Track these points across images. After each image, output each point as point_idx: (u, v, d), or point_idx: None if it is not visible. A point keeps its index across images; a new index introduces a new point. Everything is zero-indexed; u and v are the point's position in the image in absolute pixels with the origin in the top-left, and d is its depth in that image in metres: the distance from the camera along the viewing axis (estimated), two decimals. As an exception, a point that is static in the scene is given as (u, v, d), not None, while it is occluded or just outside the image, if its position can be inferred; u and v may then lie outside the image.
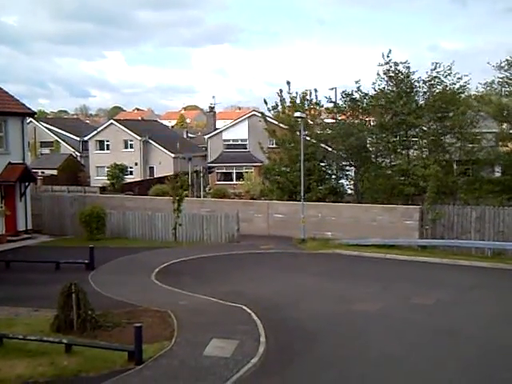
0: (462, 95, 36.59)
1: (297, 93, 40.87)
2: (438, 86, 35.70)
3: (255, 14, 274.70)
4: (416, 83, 36.11)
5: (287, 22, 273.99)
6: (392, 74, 35.96)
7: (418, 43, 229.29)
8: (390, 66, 35.97)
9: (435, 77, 35.42)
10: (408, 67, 35.83)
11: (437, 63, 35.23)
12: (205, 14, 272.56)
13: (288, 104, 40.91)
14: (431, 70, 35.44)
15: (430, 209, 30.69)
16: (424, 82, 35.83)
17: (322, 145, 39.57)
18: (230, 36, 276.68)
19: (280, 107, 41.47)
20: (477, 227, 29.71)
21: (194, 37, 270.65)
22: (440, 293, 21.59)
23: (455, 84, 35.45)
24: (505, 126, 39.22)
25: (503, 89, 37.86)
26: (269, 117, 44.35)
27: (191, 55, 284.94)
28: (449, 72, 35.16)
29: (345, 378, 13.89)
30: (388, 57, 35.82)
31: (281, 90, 40.93)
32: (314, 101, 41.03)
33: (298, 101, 40.66)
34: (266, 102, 42.06)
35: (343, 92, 37.81)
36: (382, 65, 36.13)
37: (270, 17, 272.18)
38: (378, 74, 36.54)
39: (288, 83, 40.76)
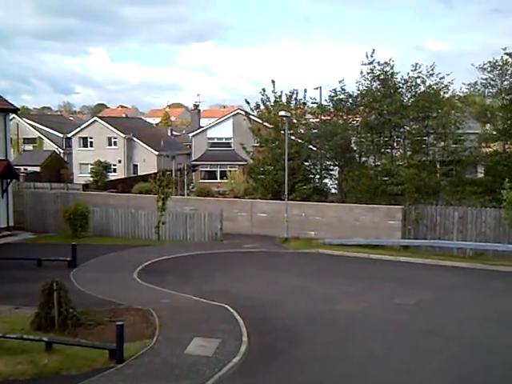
0: (446, 95, 36.91)
1: (281, 91, 40.85)
2: (421, 87, 36.04)
3: (241, 12, 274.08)
4: (400, 83, 36.41)
5: (274, 20, 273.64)
6: (378, 73, 36.26)
7: (403, 43, 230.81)
8: (374, 66, 36.32)
9: (417, 77, 35.77)
10: (392, 66, 36.25)
11: (417, 63, 35.83)
12: (191, 11, 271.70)
13: (272, 103, 40.80)
14: (412, 70, 35.93)
15: (411, 209, 30.87)
16: (405, 82, 36.16)
17: (307, 144, 39.60)
18: (216, 33, 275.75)
19: (262, 106, 41.30)
20: (459, 228, 29.92)
21: (179, 34, 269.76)
22: (422, 293, 21.70)
23: (437, 84, 35.82)
24: (488, 127, 39.48)
25: (486, 90, 38.15)
26: (253, 115, 44.19)
27: (176, 52, 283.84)
28: (431, 72, 35.58)
29: (327, 378, 13.89)
30: (372, 56, 36.23)
31: (264, 90, 40.72)
32: (302, 100, 41.01)
33: (283, 100, 40.58)
34: (247, 102, 41.89)
35: (331, 92, 38.04)
36: (365, 64, 36.50)
37: (256, 14, 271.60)
38: (362, 74, 36.88)
39: (273, 82, 40.60)
